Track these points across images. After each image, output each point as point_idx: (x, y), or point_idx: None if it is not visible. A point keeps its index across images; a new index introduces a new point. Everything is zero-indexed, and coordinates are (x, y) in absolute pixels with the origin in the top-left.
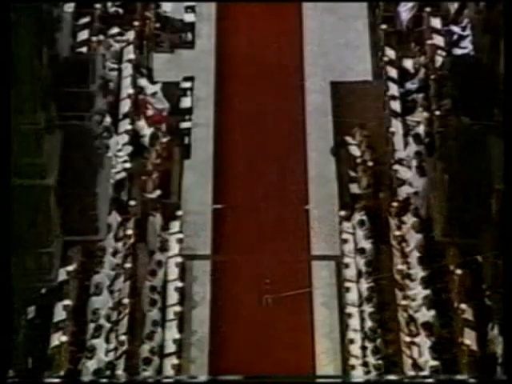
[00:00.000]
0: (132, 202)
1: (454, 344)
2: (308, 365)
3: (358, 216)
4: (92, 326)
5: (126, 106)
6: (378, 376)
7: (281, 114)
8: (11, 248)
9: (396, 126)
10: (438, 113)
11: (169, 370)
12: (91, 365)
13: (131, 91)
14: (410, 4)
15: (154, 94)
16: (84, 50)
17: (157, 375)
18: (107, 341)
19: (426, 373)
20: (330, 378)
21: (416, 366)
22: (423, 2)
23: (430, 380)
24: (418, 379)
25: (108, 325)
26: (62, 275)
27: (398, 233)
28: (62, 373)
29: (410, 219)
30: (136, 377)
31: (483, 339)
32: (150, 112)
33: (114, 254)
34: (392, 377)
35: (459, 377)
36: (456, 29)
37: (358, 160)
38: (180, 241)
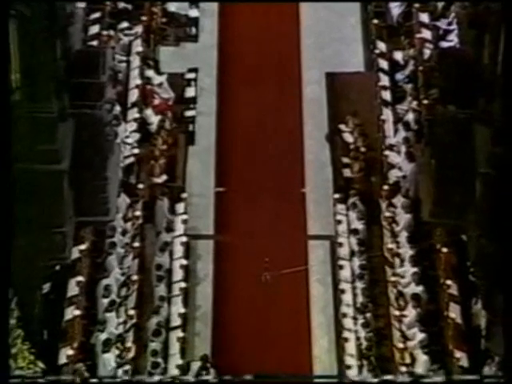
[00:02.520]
0: (140, 186)
1: (440, 317)
2: (304, 337)
3: (351, 198)
4: (103, 301)
5: (134, 95)
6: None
7: (279, 104)
8: (21, 236)
9: (386, 114)
10: (425, 102)
11: (174, 343)
12: (102, 337)
13: (139, 82)
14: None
15: (160, 85)
16: (95, 43)
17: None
18: (117, 315)
19: (421, 368)
20: (334, 377)
21: (405, 337)
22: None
23: (427, 380)
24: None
25: (118, 300)
26: (75, 253)
27: (388, 214)
28: (75, 344)
29: (399, 201)
30: (139, 378)
31: (467, 313)
32: (156, 101)
33: (124, 233)
34: (389, 377)
35: (459, 377)
36: (443, 23)
37: (351, 146)
38: (185, 222)
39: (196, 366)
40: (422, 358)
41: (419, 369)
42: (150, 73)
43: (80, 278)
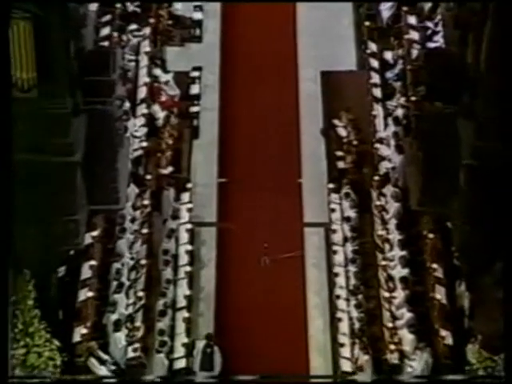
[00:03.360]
0: (148, 176)
1: (427, 298)
2: (300, 317)
3: (344, 188)
4: (114, 283)
5: (142, 92)
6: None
7: (277, 100)
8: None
9: (377, 109)
10: (413, 98)
11: (180, 323)
12: (113, 317)
13: (147, 80)
14: (390, 3)
15: (166, 82)
16: (106, 43)
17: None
18: (127, 296)
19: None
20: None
21: (394, 317)
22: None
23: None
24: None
25: (128, 282)
26: (88, 239)
27: (378, 203)
28: (88, 324)
29: (389, 191)
30: (143, 378)
31: (452, 294)
32: (163, 98)
33: (133, 221)
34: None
35: (458, 377)
36: (430, 25)
37: (345, 140)
38: (189, 210)
39: (201, 344)
40: (409, 337)
41: (406, 347)
42: (157, 71)
43: (92, 262)
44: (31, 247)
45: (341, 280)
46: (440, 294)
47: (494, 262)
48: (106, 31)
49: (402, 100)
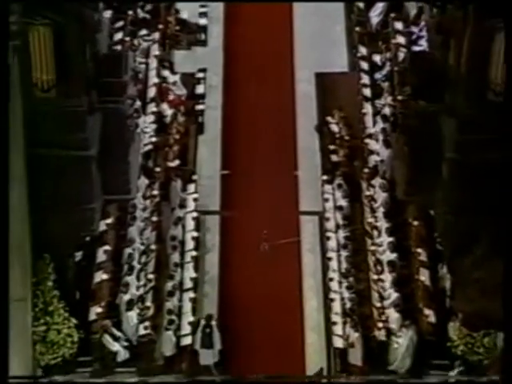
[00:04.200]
0: (157, 169)
1: (412, 280)
2: (296, 298)
3: (337, 180)
4: (126, 266)
5: (151, 92)
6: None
7: (276, 99)
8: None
9: (367, 108)
10: (400, 97)
11: (187, 303)
12: (126, 297)
13: (156, 80)
14: (379, 10)
15: (174, 83)
16: (119, 47)
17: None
18: (138, 278)
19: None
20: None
21: (381, 297)
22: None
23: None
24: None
25: (138, 266)
26: (102, 226)
27: (368, 193)
28: (103, 304)
29: (377, 182)
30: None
31: (434, 276)
32: (171, 97)
33: (143, 209)
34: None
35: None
36: (415, 30)
37: (337, 135)
38: (195, 200)
39: (202, 323)
40: (396, 316)
41: (393, 325)
42: (165, 73)
43: (106, 247)
44: (51, 233)
45: (333, 264)
46: (424, 276)
47: (473, 246)
48: (118, 36)
49: (390, 99)
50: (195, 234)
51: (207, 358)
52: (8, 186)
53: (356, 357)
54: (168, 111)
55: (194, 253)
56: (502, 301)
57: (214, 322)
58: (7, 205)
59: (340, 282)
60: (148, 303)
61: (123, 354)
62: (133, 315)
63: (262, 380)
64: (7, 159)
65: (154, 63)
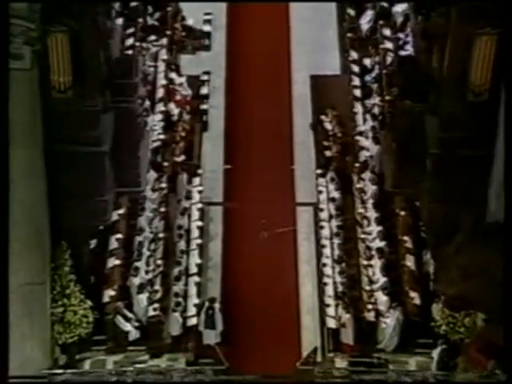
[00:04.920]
0: (165, 163)
1: (399, 265)
2: (292, 282)
3: (330, 173)
4: (136, 253)
5: (160, 92)
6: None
7: (274, 99)
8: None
9: (357, 107)
10: (388, 98)
11: (192, 287)
12: (136, 281)
13: (164, 82)
14: (368, 18)
15: (180, 84)
16: (130, 52)
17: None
18: (147, 264)
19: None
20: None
21: (371, 281)
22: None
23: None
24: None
25: (148, 252)
26: (115, 216)
27: (358, 186)
28: (115, 287)
29: (367, 175)
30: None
31: (419, 262)
32: (177, 97)
33: (152, 201)
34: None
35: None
36: (401, 36)
37: (330, 133)
38: (200, 192)
39: (206, 305)
40: (384, 298)
41: (381, 306)
42: (172, 75)
43: (118, 236)
44: (68, 222)
45: (327, 251)
46: (410, 261)
47: (454, 234)
48: (129, 41)
49: (378, 99)
50: (200, 223)
51: (210, 337)
52: (8, 184)
53: (348, 336)
54: (175, 110)
55: (198, 241)
56: (503, 301)
57: (216, 305)
58: (7, 203)
59: (333, 268)
60: (157, 287)
61: (134, 334)
62: (143, 298)
63: (260, 380)
64: (7, 159)
65: (162, 66)
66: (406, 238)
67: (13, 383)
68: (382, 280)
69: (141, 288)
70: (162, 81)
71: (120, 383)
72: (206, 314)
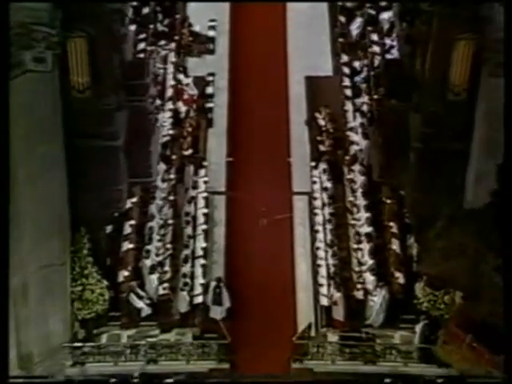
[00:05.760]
0: (173, 156)
1: (385, 249)
2: (289, 264)
3: (323, 165)
4: (148, 237)
5: (169, 92)
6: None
7: (272, 98)
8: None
9: (348, 105)
10: (375, 97)
11: (198, 268)
12: (148, 263)
13: (173, 82)
14: (357, 24)
15: (187, 85)
16: (142, 55)
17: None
18: (158, 247)
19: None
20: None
21: (360, 263)
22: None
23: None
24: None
25: (158, 237)
26: (128, 204)
27: (349, 176)
28: (129, 268)
29: (356, 167)
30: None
31: (404, 245)
32: (185, 96)
33: (162, 190)
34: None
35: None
36: (388, 41)
37: (323, 129)
38: (205, 182)
39: (213, 284)
40: (371, 278)
41: (369, 286)
42: (180, 76)
43: (132, 222)
44: (86, 210)
45: (320, 235)
46: (395, 245)
47: (436, 220)
48: (141, 46)
49: (367, 98)
50: (205, 210)
51: (216, 313)
52: (8, 181)
53: (339, 313)
54: (182, 108)
55: (204, 226)
56: (503, 299)
57: (222, 284)
58: (7, 200)
59: (325, 251)
60: (166, 268)
61: (146, 310)
62: (154, 278)
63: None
64: (8, 158)
65: (170, 68)
66: (391, 223)
67: (13, 383)
68: (370, 262)
69: (152, 269)
70: (170, 81)
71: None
72: (213, 291)
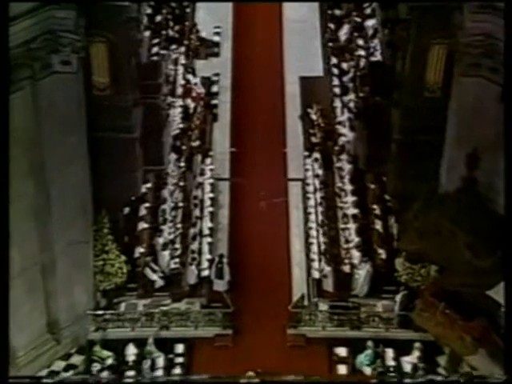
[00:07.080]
0: (183, 147)
1: (369, 228)
2: (285, 242)
3: (315, 155)
4: (161, 218)
5: (179, 90)
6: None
7: (271, 96)
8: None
9: (337, 102)
10: (361, 95)
11: (205, 245)
12: (161, 241)
13: (182, 82)
14: (345, 31)
15: (195, 84)
16: (155, 58)
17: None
18: (169, 227)
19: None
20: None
21: (347, 241)
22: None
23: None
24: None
25: (170, 218)
26: (143, 189)
27: (337, 165)
28: (144, 245)
29: (344, 157)
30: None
31: (386, 225)
32: (193, 94)
33: (173, 177)
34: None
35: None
36: (372, 45)
37: (315, 122)
38: (211, 170)
39: (216, 260)
40: (357, 254)
41: (355, 261)
42: (189, 76)
43: (147, 205)
44: (106, 194)
45: (312, 217)
46: (378, 225)
47: (413, 203)
48: (155, 50)
49: (354, 96)
50: (211, 195)
51: (219, 286)
52: (8, 179)
53: (328, 285)
54: (191, 105)
55: (210, 209)
56: (504, 299)
57: (224, 260)
58: (7, 198)
59: (317, 230)
60: (177, 245)
61: (159, 282)
62: (166, 254)
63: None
64: (7, 157)
65: (180, 69)
66: (375, 206)
67: (13, 383)
68: (356, 240)
69: (164, 246)
70: (180, 81)
71: None
72: (216, 266)
